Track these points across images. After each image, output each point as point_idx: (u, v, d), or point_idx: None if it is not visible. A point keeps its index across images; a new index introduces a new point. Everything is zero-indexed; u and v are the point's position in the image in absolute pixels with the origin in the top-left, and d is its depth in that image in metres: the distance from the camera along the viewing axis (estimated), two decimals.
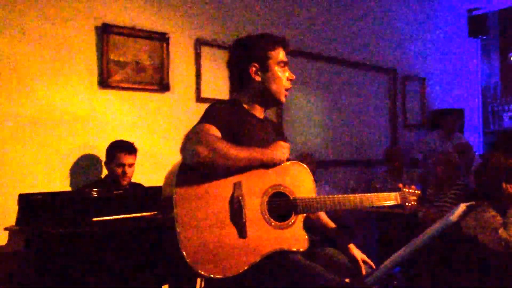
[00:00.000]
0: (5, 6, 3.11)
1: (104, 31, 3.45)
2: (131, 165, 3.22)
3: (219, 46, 4.11)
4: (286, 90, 1.99)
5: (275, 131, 2.08)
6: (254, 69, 1.94)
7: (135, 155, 3.27)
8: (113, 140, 3.30)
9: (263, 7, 4.53)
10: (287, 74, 1.99)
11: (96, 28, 3.46)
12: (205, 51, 4.04)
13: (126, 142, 3.27)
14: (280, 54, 1.97)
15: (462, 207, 1.71)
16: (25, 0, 3.19)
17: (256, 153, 1.77)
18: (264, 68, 1.94)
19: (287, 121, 4.67)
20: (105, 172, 3.35)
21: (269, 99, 1.99)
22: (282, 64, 1.97)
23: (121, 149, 3.20)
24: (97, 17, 3.46)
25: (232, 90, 2.07)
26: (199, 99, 3.96)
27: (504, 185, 2.87)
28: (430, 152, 5.27)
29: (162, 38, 3.75)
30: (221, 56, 4.11)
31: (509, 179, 2.90)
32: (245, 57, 1.95)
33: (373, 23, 5.58)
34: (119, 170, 3.17)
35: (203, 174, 1.68)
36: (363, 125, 5.44)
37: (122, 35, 3.54)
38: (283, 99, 2.00)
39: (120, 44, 3.53)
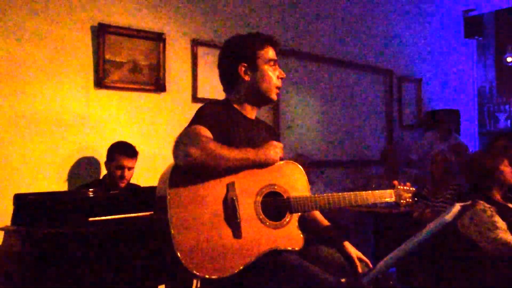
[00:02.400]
0: (0, 6, 3.10)
1: (100, 31, 3.44)
2: (130, 169, 3.20)
3: (216, 46, 4.10)
4: (277, 88, 1.99)
5: (267, 132, 2.08)
6: (243, 68, 1.94)
7: (136, 159, 3.24)
8: (108, 140, 3.29)
9: (259, 7, 4.53)
10: (277, 72, 1.98)
11: (92, 28, 3.45)
12: (201, 51, 4.04)
13: (128, 144, 3.24)
14: (269, 53, 1.96)
15: (458, 207, 1.72)
16: (21, 0, 3.18)
17: (248, 154, 1.77)
18: (253, 68, 1.94)
19: (283, 122, 4.67)
20: (102, 172, 3.35)
21: (260, 98, 1.99)
22: (272, 63, 1.97)
23: (122, 151, 3.17)
24: (93, 17, 3.46)
25: (224, 90, 2.07)
26: (195, 99, 3.96)
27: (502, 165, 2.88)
28: (426, 153, 5.28)
29: (158, 38, 3.74)
30: (217, 56, 4.10)
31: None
32: (234, 57, 1.96)
33: (369, 24, 5.59)
34: (118, 173, 3.15)
35: (196, 176, 1.68)
36: (359, 125, 5.45)
37: (118, 35, 3.53)
38: (274, 97, 2.00)
39: (116, 44, 3.53)
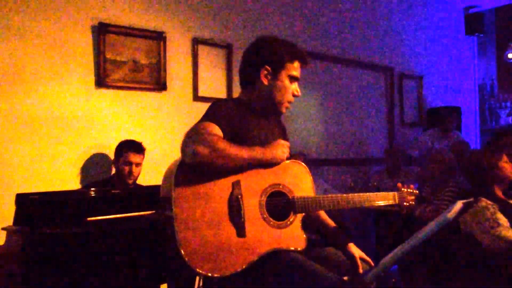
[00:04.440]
0: (1, 6, 3.10)
1: (101, 31, 3.44)
2: (138, 165, 3.24)
3: (216, 45, 4.11)
4: (289, 102, 1.99)
5: (279, 127, 2.09)
6: (265, 72, 1.93)
7: (143, 155, 3.29)
8: (110, 139, 3.31)
9: (259, 6, 4.53)
10: (293, 86, 1.98)
11: (93, 27, 3.45)
12: (202, 50, 4.04)
13: (135, 141, 3.30)
14: (295, 69, 1.96)
15: (459, 204, 1.71)
16: (22, 0, 3.18)
17: (256, 153, 1.77)
18: (275, 76, 1.94)
19: (284, 120, 4.66)
20: (107, 171, 3.36)
21: (269, 106, 1.98)
22: (293, 79, 1.97)
23: (129, 148, 3.23)
24: (94, 17, 3.46)
25: (240, 85, 2.05)
26: (196, 98, 3.96)
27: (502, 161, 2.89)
28: (427, 151, 5.27)
29: (159, 37, 3.74)
30: (218, 55, 4.11)
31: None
32: (262, 57, 1.94)
33: (370, 21, 5.58)
34: (126, 169, 3.19)
35: (202, 173, 1.68)
36: (360, 123, 5.44)
37: (118, 34, 3.53)
38: (283, 110, 2.00)
39: (116, 43, 3.52)
